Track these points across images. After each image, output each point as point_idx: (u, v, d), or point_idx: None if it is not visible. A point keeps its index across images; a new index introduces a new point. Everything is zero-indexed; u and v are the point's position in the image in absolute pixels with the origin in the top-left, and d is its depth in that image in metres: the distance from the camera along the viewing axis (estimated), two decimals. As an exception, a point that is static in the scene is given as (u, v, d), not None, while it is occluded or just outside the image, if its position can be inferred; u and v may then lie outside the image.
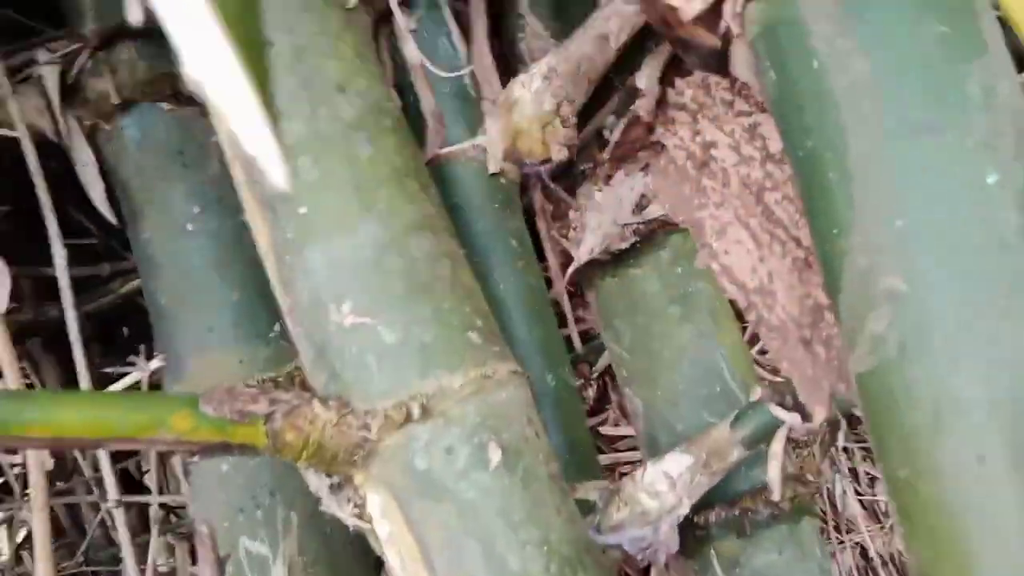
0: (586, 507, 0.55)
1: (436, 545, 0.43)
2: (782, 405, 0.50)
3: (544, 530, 0.44)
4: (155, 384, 0.75)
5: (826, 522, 1.28)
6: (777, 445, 0.53)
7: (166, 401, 0.42)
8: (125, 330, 0.98)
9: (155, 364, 0.59)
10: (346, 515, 0.46)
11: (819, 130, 0.33)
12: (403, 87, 0.61)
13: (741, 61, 0.39)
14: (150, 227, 0.70)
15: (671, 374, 0.68)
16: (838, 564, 1.35)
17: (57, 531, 0.96)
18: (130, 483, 1.02)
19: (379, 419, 0.43)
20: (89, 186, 0.73)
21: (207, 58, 0.18)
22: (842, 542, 1.38)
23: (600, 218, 0.67)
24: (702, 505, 0.64)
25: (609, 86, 0.64)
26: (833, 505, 1.23)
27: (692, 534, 0.65)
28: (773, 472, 0.54)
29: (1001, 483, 0.30)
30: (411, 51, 0.58)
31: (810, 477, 0.66)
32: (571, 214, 0.68)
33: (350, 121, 0.48)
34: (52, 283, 0.73)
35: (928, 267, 0.31)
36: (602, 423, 1.24)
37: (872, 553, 1.41)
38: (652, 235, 0.66)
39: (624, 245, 0.68)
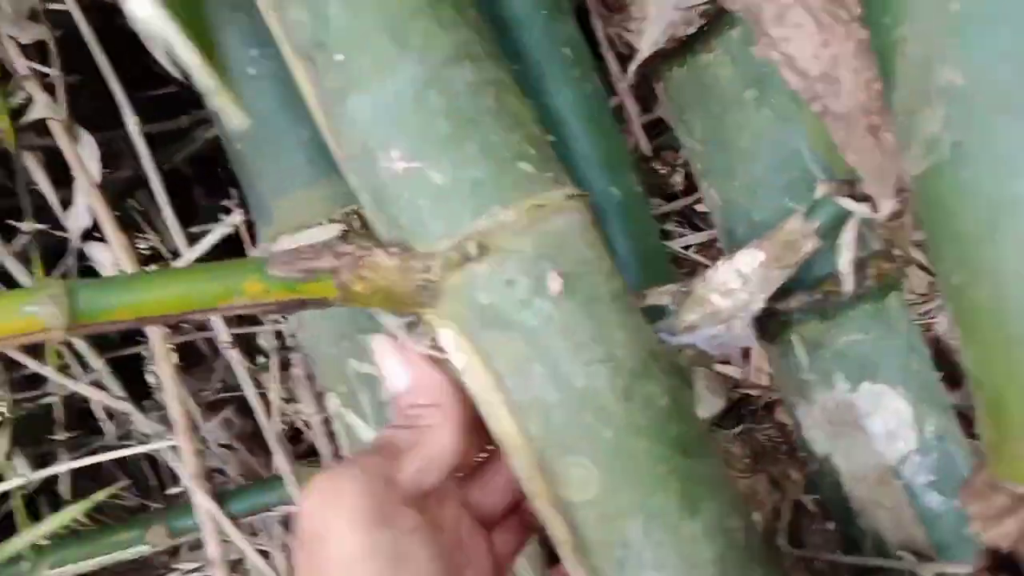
0: (659, 312, 0.57)
1: (506, 371, 0.45)
2: (852, 196, 0.48)
3: (608, 346, 0.46)
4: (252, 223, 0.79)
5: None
6: (848, 235, 0.51)
7: (237, 268, 0.45)
8: (220, 170, 1.02)
9: (238, 218, 0.62)
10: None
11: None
12: None
13: None
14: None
15: (749, 162, 0.66)
16: (934, 329, 1.30)
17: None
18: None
19: (439, 261, 0.45)
20: (149, 43, 0.74)
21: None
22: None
23: (662, 3, 0.62)
24: (782, 291, 0.64)
25: None
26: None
27: (774, 319, 0.66)
28: (843, 264, 0.53)
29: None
30: None
31: (897, 252, 0.64)
32: (630, 5, 0.64)
33: (373, -48, 0.46)
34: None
35: (987, 58, 0.28)
36: (697, 201, 1.23)
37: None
38: (720, 15, 0.61)
39: (691, 30, 0.64)
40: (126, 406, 0.78)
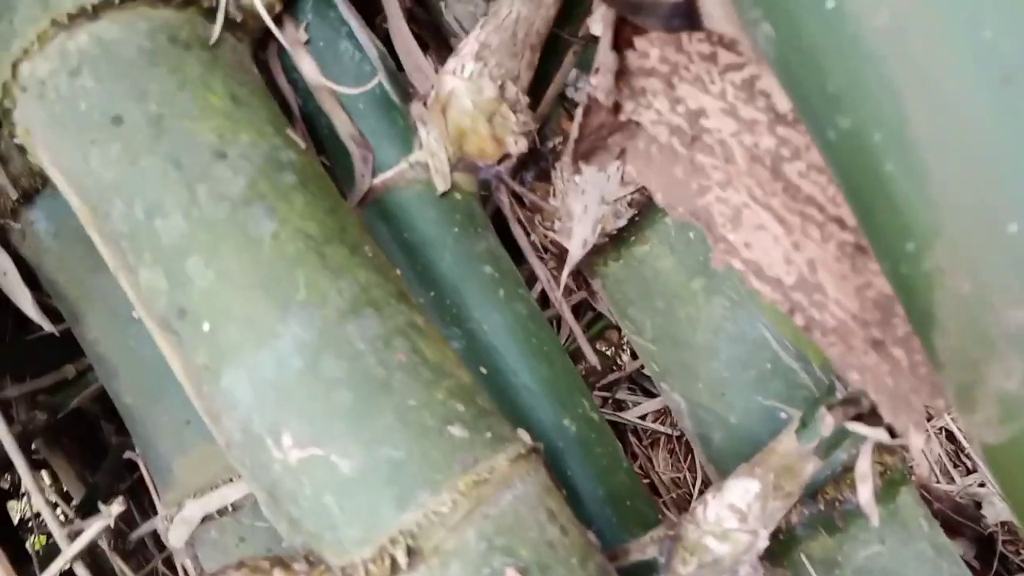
0: (647, 568, 0.46)
1: None
2: (860, 417, 0.39)
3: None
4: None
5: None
6: (864, 464, 0.43)
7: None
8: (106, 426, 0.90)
9: (116, 509, 0.50)
10: None
11: (856, 101, 0.22)
12: (312, 113, 0.50)
13: (716, 12, 0.27)
14: (93, 324, 0.60)
15: (709, 360, 0.58)
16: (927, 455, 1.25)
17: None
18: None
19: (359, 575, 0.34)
20: (14, 296, 0.64)
21: None
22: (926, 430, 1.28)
23: (585, 199, 0.56)
24: (780, 508, 0.54)
25: (558, 41, 0.53)
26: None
27: (775, 538, 0.56)
28: (864, 496, 0.44)
29: None
30: (308, 70, 0.47)
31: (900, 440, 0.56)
32: (551, 203, 0.57)
33: (240, 195, 0.38)
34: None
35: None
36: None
37: (960, 436, 1.31)
38: (650, 202, 0.55)
39: (621, 222, 0.57)
40: None
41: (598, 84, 0.35)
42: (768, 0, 0.24)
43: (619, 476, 0.49)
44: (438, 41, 0.62)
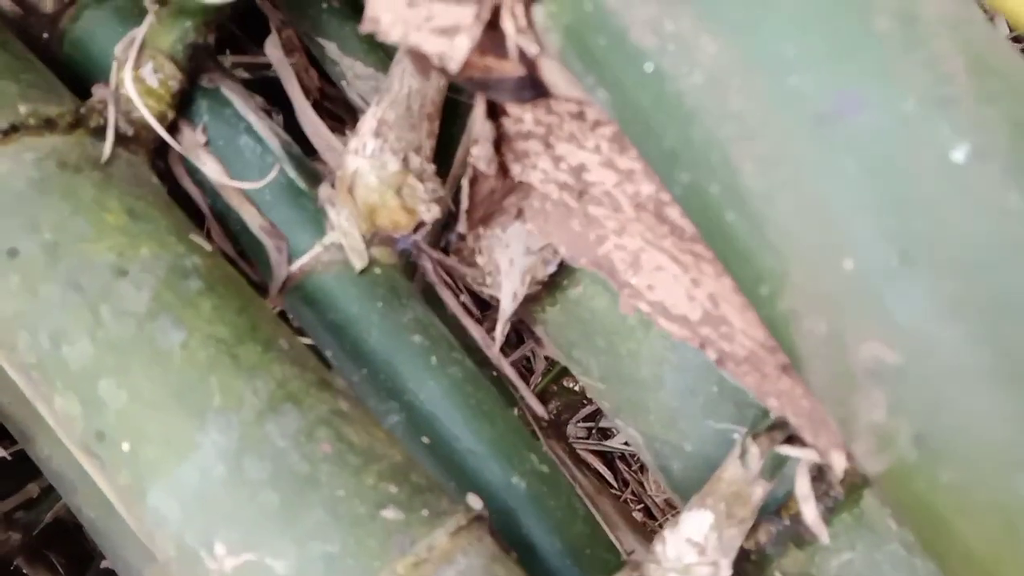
0: (613, 614, 0.45)
1: None
2: (790, 438, 0.39)
3: None
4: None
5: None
6: (802, 484, 0.43)
7: None
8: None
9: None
10: None
11: (689, 157, 0.23)
12: (222, 210, 0.50)
13: (560, 82, 0.28)
14: (44, 443, 0.60)
15: (657, 392, 0.58)
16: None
17: None
18: None
19: None
20: None
21: None
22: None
23: (510, 253, 0.56)
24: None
25: (458, 105, 0.54)
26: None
27: (747, 561, 0.56)
28: (810, 515, 0.44)
29: None
30: (211, 170, 0.47)
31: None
32: (478, 261, 0.58)
33: (144, 310, 0.38)
34: None
35: (916, 316, 0.20)
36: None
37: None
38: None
39: (551, 268, 0.57)
40: None
41: (478, 154, 0.35)
42: (597, 68, 0.25)
43: (576, 526, 0.49)
44: (355, 118, 0.63)
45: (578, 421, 1.18)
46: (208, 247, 0.42)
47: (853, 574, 0.54)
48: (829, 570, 0.54)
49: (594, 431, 1.23)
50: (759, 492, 0.44)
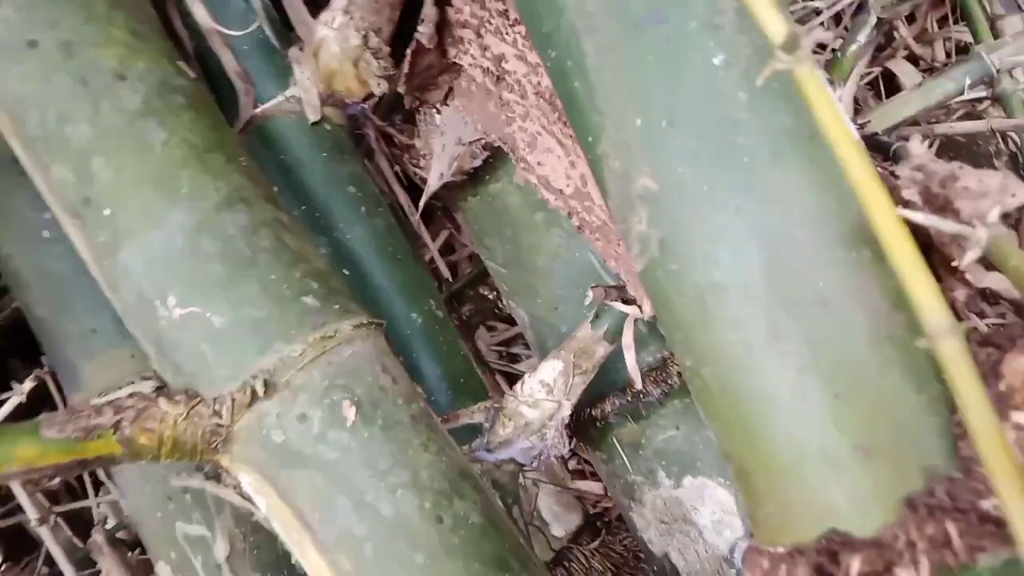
0: (475, 430, 0.57)
1: (310, 509, 0.44)
2: (624, 299, 0.51)
3: (413, 470, 0.45)
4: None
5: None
6: (627, 336, 0.54)
7: (7, 434, 0.42)
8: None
9: (28, 385, 0.58)
10: (232, 498, 0.46)
11: (557, 39, 0.33)
12: (203, 52, 0.59)
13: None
14: (6, 243, 0.67)
15: (547, 281, 0.69)
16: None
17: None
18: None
19: (227, 403, 0.44)
20: None
21: None
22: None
23: (444, 141, 0.66)
24: (597, 398, 0.66)
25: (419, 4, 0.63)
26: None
27: (593, 426, 0.68)
28: (630, 362, 0.56)
29: (765, 357, 0.31)
30: (200, 14, 0.56)
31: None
32: (416, 142, 0.68)
33: (136, 109, 0.47)
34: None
35: (671, 161, 0.31)
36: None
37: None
38: (502, 149, 0.66)
39: (477, 162, 0.67)
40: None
41: (423, 31, 0.45)
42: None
43: (456, 361, 0.60)
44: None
45: (495, 345, 1.27)
46: (192, 74, 0.51)
47: (673, 447, 0.67)
48: (656, 441, 0.67)
49: (504, 354, 1.33)
50: (600, 350, 0.56)
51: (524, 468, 0.57)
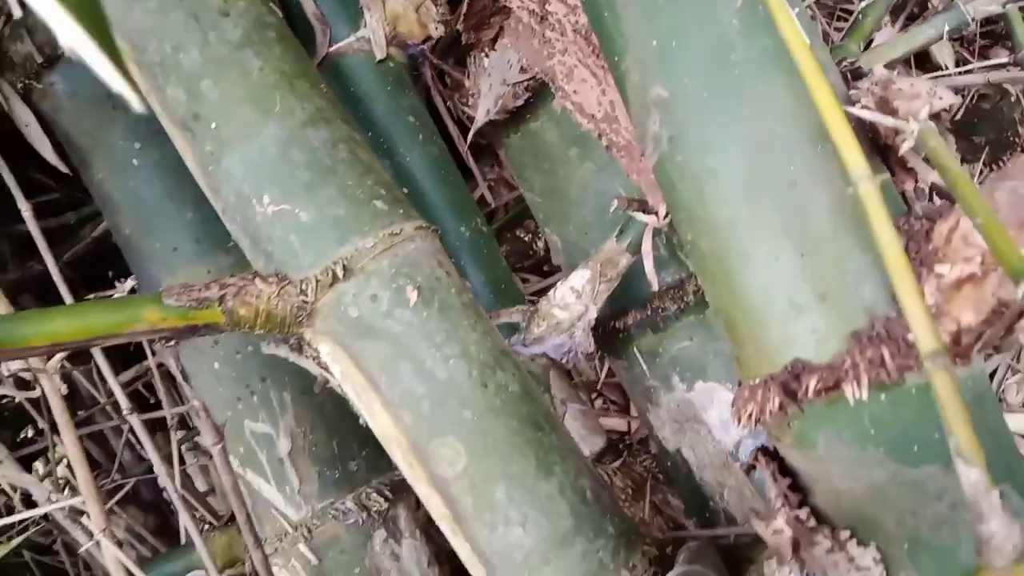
0: (513, 328, 0.66)
1: (377, 372, 0.53)
2: (644, 211, 0.59)
3: (463, 344, 0.54)
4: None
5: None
6: (646, 243, 0.63)
7: (137, 301, 0.52)
8: (110, 273, 1.06)
9: (130, 284, 0.68)
10: (311, 367, 0.56)
11: (592, -21, 0.41)
12: (286, -2, 0.68)
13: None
14: (100, 170, 0.76)
15: (579, 208, 0.77)
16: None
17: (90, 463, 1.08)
18: (145, 407, 1.12)
19: (311, 284, 0.53)
20: (36, 143, 0.79)
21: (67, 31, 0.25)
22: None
23: (490, 81, 0.74)
24: (621, 312, 0.75)
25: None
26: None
27: (617, 337, 0.77)
28: (648, 266, 0.64)
29: (747, 227, 0.39)
30: (284, -36, 0.65)
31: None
32: (465, 83, 0.76)
33: (238, 41, 0.56)
34: (29, 241, 0.81)
35: (678, 73, 0.39)
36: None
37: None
38: (542, 89, 0.74)
39: (519, 103, 0.76)
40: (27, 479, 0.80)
41: (478, -24, 0.53)
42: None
43: (498, 270, 0.69)
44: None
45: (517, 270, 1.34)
46: (280, 14, 0.60)
47: (687, 355, 0.75)
48: (672, 351, 0.75)
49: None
50: (624, 260, 0.64)
51: (555, 362, 0.66)
